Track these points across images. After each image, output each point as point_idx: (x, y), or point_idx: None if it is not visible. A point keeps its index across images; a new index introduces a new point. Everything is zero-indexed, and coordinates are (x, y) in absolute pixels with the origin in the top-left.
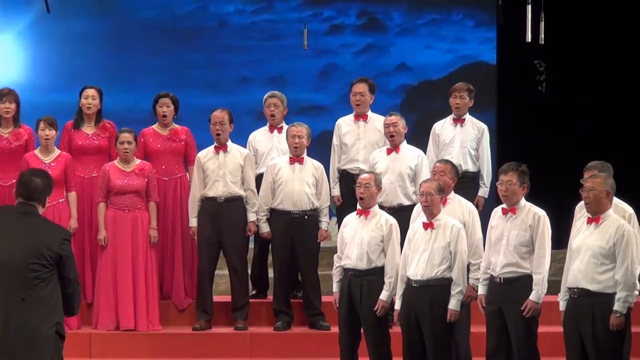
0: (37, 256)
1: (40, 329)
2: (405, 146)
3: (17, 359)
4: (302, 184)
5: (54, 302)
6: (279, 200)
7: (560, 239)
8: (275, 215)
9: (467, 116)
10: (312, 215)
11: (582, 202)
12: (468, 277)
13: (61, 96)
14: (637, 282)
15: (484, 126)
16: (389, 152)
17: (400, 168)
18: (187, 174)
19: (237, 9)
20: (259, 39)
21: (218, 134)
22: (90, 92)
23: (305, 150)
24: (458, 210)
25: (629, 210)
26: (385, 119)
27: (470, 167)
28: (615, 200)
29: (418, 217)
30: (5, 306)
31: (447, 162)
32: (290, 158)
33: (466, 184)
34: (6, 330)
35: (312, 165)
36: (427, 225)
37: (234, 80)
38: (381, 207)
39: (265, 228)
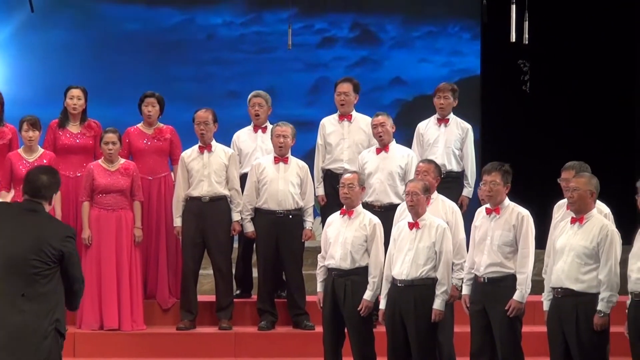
0: (37, 252)
1: (39, 325)
2: (394, 145)
3: (16, 354)
4: (286, 184)
5: (55, 299)
6: (264, 200)
7: (544, 239)
8: (259, 215)
9: (452, 116)
10: (297, 215)
11: (560, 202)
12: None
13: (43, 110)
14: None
15: (468, 126)
16: (378, 151)
17: (391, 167)
18: (172, 173)
19: (226, 20)
20: (248, 52)
21: (202, 134)
22: (75, 92)
23: (290, 150)
24: (441, 210)
25: (606, 210)
26: (373, 119)
27: (454, 167)
28: None
29: (402, 216)
30: (4, 301)
31: (430, 162)
32: (274, 157)
33: (450, 183)
34: (5, 325)
35: (296, 164)
36: (413, 225)
37: (222, 94)
38: (372, 206)
39: (249, 227)
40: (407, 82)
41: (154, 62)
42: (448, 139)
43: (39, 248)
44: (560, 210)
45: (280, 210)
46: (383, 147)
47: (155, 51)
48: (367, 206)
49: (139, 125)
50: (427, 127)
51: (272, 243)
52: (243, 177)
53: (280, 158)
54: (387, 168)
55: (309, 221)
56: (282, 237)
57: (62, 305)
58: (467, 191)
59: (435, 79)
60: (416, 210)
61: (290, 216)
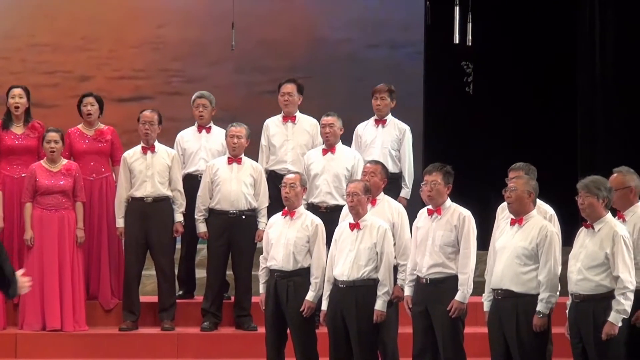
0: None
1: None
2: (340, 147)
3: None
4: (239, 184)
5: None
6: (217, 201)
7: (486, 240)
8: (212, 215)
9: (390, 117)
10: (250, 216)
11: (504, 203)
12: (396, 278)
13: None
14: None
15: (406, 127)
16: (324, 152)
17: (337, 169)
18: (113, 174)
19: None
20: None
21: (147, 134)
22: (17, 91)
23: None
24: (387, 211)
25: (550, 211)
26: (322, 118)
27: (391, 168)
28: (537, 201)
29: (346, 218)
30: None
31: (378, 163)
32: (228, 158)
33: (388, 185)
34: None
35: (250, 165)
36: (354, 226)
37: None
38: (317, 207)
39: (202, 228)
40: None
41: None
42: (385, 140)
43: None
44: (505, 212)
45: (232, 210)
46: (329, 148)
47: None
48: (313, 207)
49: (79, 126)
50: (364, 129)
51: (224, 244)
52: (186, 178)
53: (234, 159)
54: (333, 169)
55: (263, 222)
56: (234, 237)
57: None
58: (405, 192)
59: None
60: (357, 211)
61: (243, 217)
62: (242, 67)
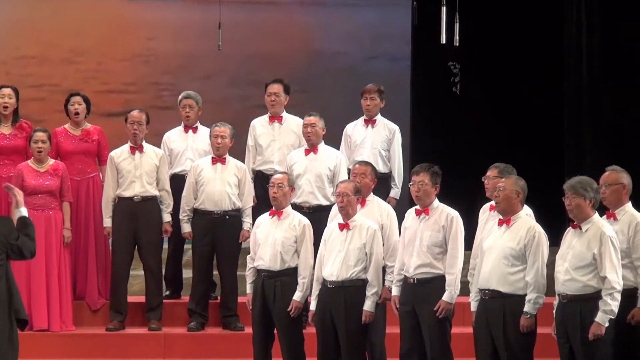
0: None
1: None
2: (323, 147)
3: None
4: (223, 184)
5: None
6: (201, 201)
7: (473, 240)
8: (197, 216)
9: (379, 117)
10: (234, 216)
11: (485, 205)
12: (384, 279)
13: None
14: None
15: (396, 127)
16: (307, 152)
17: (319, 169)
18: (100, 174)
19: None
20: None
21: (135, 134)
22: (6, 91)
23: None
24: (376, 212)
25: (528, 210)
26: (304, 118)
27: (381, 168)
28: None
29: (335, 218)
30: None
31: (368, 164)
32: (212, 158)
33: (377, 185)
34: None
35: (234, 165)
36: (343, 226)
37: None
38: (300, 207)
39: (186, 228)
40: None
41: None
42: (375, 140)
43: None
44: (485, 213)
45: (217, 210)
46: (312, 148)
47: None
48: (296, 207)
49: (66, 126)
50: (354, 129)
51: (208, 244)
52: (173, 178)
53: (218, 159)
54: (315, 169)
55: (247, 222)
56: (218, 238)
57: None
58: (395, 192)
59: None
60: (346, 211)
61: (227, 217)
62: (236, 81)
